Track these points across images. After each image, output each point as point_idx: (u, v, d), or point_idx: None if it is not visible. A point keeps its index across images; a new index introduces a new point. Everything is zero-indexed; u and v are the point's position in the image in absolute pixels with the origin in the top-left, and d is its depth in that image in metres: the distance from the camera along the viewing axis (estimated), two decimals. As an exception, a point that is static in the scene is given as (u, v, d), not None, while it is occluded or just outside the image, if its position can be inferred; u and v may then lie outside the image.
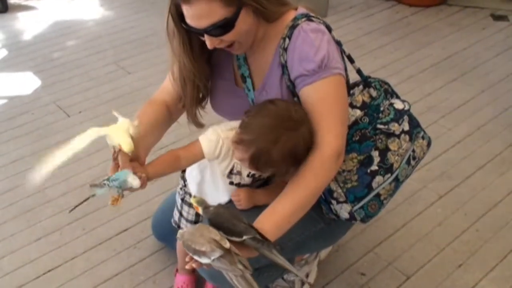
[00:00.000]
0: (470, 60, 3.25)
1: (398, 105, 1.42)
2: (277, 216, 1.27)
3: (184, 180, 1.64)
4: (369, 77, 1.44)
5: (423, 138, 1.50)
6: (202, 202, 1.25)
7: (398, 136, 1.40)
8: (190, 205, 1.63)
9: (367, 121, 1.38)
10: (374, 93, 1.42)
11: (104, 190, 1.24)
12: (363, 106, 1.39)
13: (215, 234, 1.16)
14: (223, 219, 1.20)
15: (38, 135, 2.65)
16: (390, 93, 1.46)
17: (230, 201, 1.48)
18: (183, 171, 1.63)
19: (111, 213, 2.14)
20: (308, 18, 1.29)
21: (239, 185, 1.45)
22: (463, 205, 2.18)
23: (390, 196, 1.45)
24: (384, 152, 1.38)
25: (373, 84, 1.43)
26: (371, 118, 1.38)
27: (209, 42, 1.27)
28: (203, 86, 1.45)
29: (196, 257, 1.16)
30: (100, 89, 3.03)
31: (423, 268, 1.91)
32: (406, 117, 1.43)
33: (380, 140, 1.38)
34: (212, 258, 1.13)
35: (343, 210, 1.40)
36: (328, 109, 1.28)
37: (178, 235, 1.20)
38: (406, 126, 1.43)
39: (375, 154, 1.37)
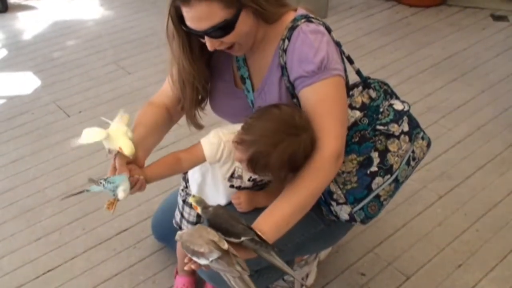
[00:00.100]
0: (470, 60, 3.25)
1: (398, 106, 1.42)
2: (276, 218, 1.26)
3: (186, 181, 1.64)
4: (369, 78, 1.44)
5: (422, 138, 1.50)
6: (201, 202, 1.25)
7: (398, 137, 1.40)
8: (191, 206, 1.62)
9: (366, 122, 1.37)
10: (373, 94, 1.41)
11: (98, 189, 1.24)
12: (363, 107, 1.39)
13: (214, 235, 1.16)
14: (221, 220, 1.20)
15: (38, 135, 2.65)
16: (390, 94, 1.46)
17: (230, 204, 1.48)
18: (185, 173, 1.63)
19: (111, 214, 2.14)
20: (308, 19, 1.29)
21: (240, 188, 1.45)
22: (463, 205, 2.18)
23: (390, 197, 1.45)
24: (383, 153, 1.38)
25: (372, 85, 1.43)
26: (370, 119, 1.38)
27: (210, 44, 1.27)
28: (202, 88, 1.45)
29: (194, 258, 1.16)
30: (100, 89, 3.03)
31: (423, 268, 1.91)
32: (405, 118, 1.43)
33: (379, 141, 1.38)
34: (210, 259, 1.13)
35: (343, 212, 1.40)
36: (327, 110, 1.27)
37: (177, 236, 1.20)
38: (405, 127, 1.42)
39: (375, 155, 1.37)
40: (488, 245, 2.00)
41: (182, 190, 1.68)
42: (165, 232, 1.87)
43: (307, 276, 1.81)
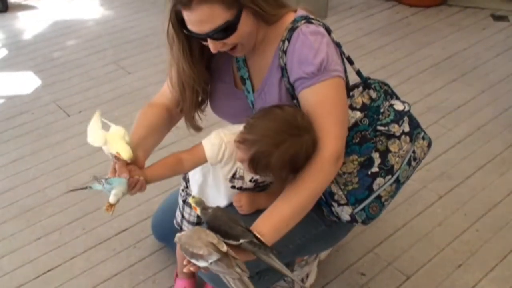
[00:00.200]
0: (470, 61, 3.25)
1: (398, 106, 1.42)
2: (275, 219, 1.26)
3: (186, 181, 1.64)
4: (369, 78, 1.44)
5: (423, 139, 1.50)
6: (200, 203, 1.25)
7: (399, 138, 1.40)
8: (191, 206, 1.62)
9: (367, 122, 1.37)
10: (374, 94, 1.41)
11: (100, 188, 1.25)
12: (363, 108, 1.39)
13: (212, 238, 1.16)
14: (220, 222, 1.20)
15: (38, 134, 2.65)
16: (390, 94, 1.46)
17: (231, 205, 1.48)
18: (185, 173, 1.63)
19: (110, 215, 2.14)
20: (308, 20, 1.29)
21: (241, 189, 1.45)
22: (463, 205, 2.18)
23: (391, 197, 1.45)
24: (384, 153, 1.38)
25: (373, 86, 1.43)
26: (371, 120, 1.38)
27: (212, 46, 1.27)
28: (202, 90, 1.45)
29: (194, 261, 1.16)
30: (100, 88, 3.03)
31: (423, 268, 1.91)
32: (406, 118, 1.43)
33: (380, 142, 1.38)
34: (210, 261, 1.13)
35: (344, 213, 1.40)
36: (327, 111, 1.27)
37: (176, 238, 1.20)
38: (406, 127, 1.42)
39: (376, 155, 1.37)
40: (488, 245, 2.00)
41: (183, 190, 1.68)
42: (165, 232, 1.87)
43: (307, 276, 1.81)
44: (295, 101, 1.33)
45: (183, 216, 1.68)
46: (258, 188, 1.46)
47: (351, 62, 1.41)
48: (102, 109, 2.91)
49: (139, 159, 1.31)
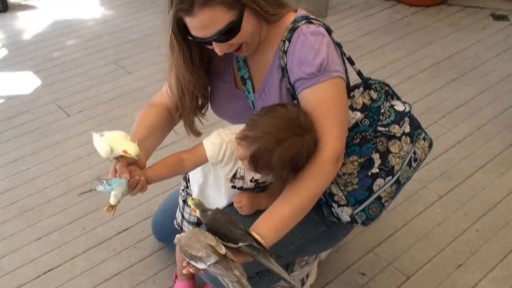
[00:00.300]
0: (470, 60, 3.25)
1: (399, 107, 1.42)
2: (275, 220, 1.26)
3: (187, 181, 1.64)
4: (370, 79, 1.44)
5: (424, 139, 1.49)
6: (200, 205, 1.25)
7: (399, 138, 1.40)
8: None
9: (367, 123, 1.37)
10: (374, 95, 1.41)
11: (102, 190, 1.25)
12: (364, 109, 1.39)
13: (211, 240, 1.16)
14: (220, 225, 1.20)
15: (38, 134, 2.65)
16: (391, 94, 1.46)
17: (231, 205, 1.48)
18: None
19: (111, 216, 2.14)
20: (308, 20, 1.29)
21: (242, 189, 1.45)
22: (463, 205, 2.18)
23: (392, 198, 1.44)
24: (385, 154, 1.38)
25: (373, 86, 1.43)
26: (371, 121, 1.38)
27: (218, 49, 1.27)
28: (201, 95, 1.45)
29: (192, 263, 1.16)
30: (100, 88, 3.03)
31: (423, 268, 1.91)
32: (407, 119, 1.43)
33: (380, 143, 1.37)
34: (208, 263, 1.13)
35: (344, 213, 1.40)
36: (327, 112, 1.27)
37: (176, 239, 1.20)
38: (407, 128, 1.42)
39: (376, 156, 1.37)
40: (488, 245, 2.00)
41: (183, 190, 1.68)
42: (165, 232, 1.87)
43: (307, 276, 1.81)
44: (295, 102, 1.33)
45: (183, 217, 1.68)
46: (258, 188, 1.46)
47: (351, 63, 1.41)
48: (102, 108, 2.95)
49: (140, 160, 1.31)
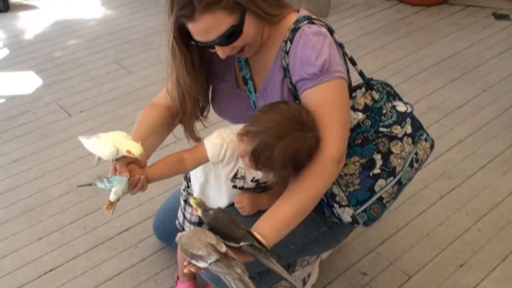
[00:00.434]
0: (471, 60, 3.24)
1: (401, 107, 1.42)
2: (276, 220, 1.26)
3: (188, 181, 1.64)
4: (372, 79, 1.44)
5: (426, 140, 1.49)
6: (201, 204, 1.25)
7: (401, 139, 1.40)
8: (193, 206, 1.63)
9: (369, 124, 1.37)
10: (376, 95, 1.41)
11: (102, 186, 1.26)
12: (365, 109, 1.39)
13: (212, 238, 1.16)
14: (221, 224, 1.20)
15: (39, 134, 2.65)
16: (393, 95, 1.46)
17: (232, 205, 1.48)
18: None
19: (110, 214, 2.14)
20: (310, 20, 1.29)
21: (242, 189, 1.44)
22: (465, 205, 2.18)
23: (393, 199, 1.44)
24: (386, 155, 1.38)
25: (375, 87, 1.42)
26: (373, 121, 1.38)
27: (221, 52, 1.27)
28: (202, 98, 1.46)
29: (193, 262, 1.16)
30: (101, 88, 3.03)
31: (425, 268, 1.91)
32: (408, 120, 1.42)
33: (382, 143, 1.37)
34: (209, 262, 1.13)
35: (346, 214, 1.40)
36: (329, 113, 1.27)
37: (177, 237, 1.21)
38: (408, 129, 1.42)
39: (378, 157, 1.37)
40: (490, 244, 2.00)
41: (184, 190, 1.68)
42: (167, 232, 1.87)
43: (309, 276, 1.81)
44: (297, 102, 1.33)
45: (184, 217, 1.68)
46: (259, 188, 1.46)
47: (353, 63, 1.41)
48: (104, 108, 2.95)
49: (141, 159, 1.31)
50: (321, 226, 1.49)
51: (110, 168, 1.30)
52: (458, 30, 3.60)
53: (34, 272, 1.92)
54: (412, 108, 1.43)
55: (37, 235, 2.07)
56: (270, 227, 1.25)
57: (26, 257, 1.98)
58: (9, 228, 2.11)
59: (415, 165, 1.46)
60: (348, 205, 1.38)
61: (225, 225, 1.20)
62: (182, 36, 1.27)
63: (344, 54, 1.36)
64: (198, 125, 1.54)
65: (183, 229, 1.68)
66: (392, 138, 1.38)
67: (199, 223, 1.64)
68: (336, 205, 1.40)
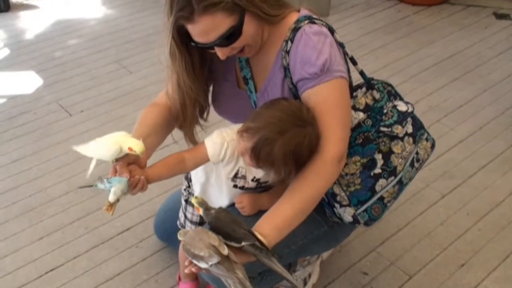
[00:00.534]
0: (472, 59, 3.24)
1: (402, 107, 1.42)
2: (277, 220, 1.26)
3: (189, 180, 1.64)
4: (372, 79, 1.44)
5: (427, 140, 1.49)
6: (203, 204, 1.25)
7: (402, 139, 1.40)
8: (194, 206, 1.62)
9: (370, 123, 1.37)
10: (377, 95, 1.41)
11: (102, 187, 1.26)
12: (366, 109, 1.39)
13: (214, 240, 1.16)
14: (223, 224, 1.20)
15: (40, 134, 2.65)
16: (394, 95, 1.46)
17: (232, 205, 1.48)
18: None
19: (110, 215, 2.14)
20: (311, 20, 1.29)
21: (243, 188, 1.44)
22: (466, 205, 2.17)
23: (394, 199, 1.44)
24: (387, 155, 1.38)
25: (376, 86, 1.42)
26: (374, 121, 1.37)
27: (221, 53, 1.27)
28: (203, 99, 1.46)
29: (195, 261, 1.16)
30: (101, 88, 3.03)
31: (426, 267, 1.90)
32: (409, 119, 1.42)
33: (383, 143, 1.37)
34: (210, 263, 1.13)
35: (347, 214, 1.40)
36: (329, 112, 1.27)
37: (180, 233, 1.21)
38: (409, 129, 1.42)
39: (379, 157, 1.37)
40: (491, 244, 1.99)
41: (185, 189, 1.68)
42: (167, 231, 1.87)
43: (309, 275, 1.81)
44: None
45: (186, 217, 1.68)
46: (260, 188, 1.46)
47: (354, 63, 1.41)
48: (104, 108, 2.94)
49: (141, 159, 1.31)
50: (322, 226, 1.48)
51: (110, 168, 1.29)
52: (458, 30, 3.60)
53: (35, 272, 1.92)
54: (413, 108, 1.43)
55: (37, 235, 2.07)
56: (271, 227, 1.25)
57: (26, 257, 1.98)
58: (9, 228, 2.11)
59: (416, 164, 1.46)
60: (349, 205, 1.38)
61: (226, 224, 1.20)
62: (182, 37, 1.27)
63: (345, 53, 1.35)
64: (198, 127, 1.54)
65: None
66: (393, 137, 1.38)
67: (200, 223, 1.64)
68: (337, 205, 1.39)
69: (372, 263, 1.93)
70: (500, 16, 3.77)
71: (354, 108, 1.38)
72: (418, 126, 1.46)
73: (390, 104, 1.42)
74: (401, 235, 2.04)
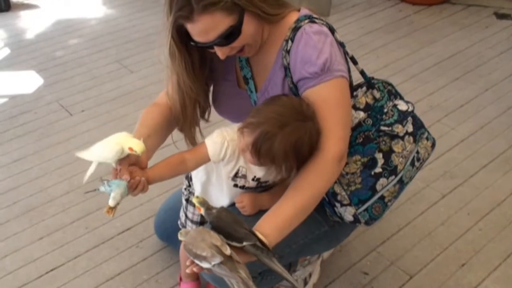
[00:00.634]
0: (473, 59, 3.24)
1: (402, 106, 1.41)
2: (278, 220, 1.26)
3: (189, 180, 1.63)
4: (373, 78, 1.44)
5: (427, 139, 1.49)
6: (204, 203, 1.25)
7: (402, 138, 1.39)
8: (195, 205, 1.62)
9: (370, 123, 1.37)
10: (377, 94, 1.41)
11: (103, 190, 1.25)
12: (367, 108, 1.38)
13: (216, 240, 1.15)
14: (224, 223, 1.20)
15: (41, 134, 2.66)
16: (394, 94, 1.45)
17: (233, 205, 1.48)
18: (187, 172, 1.63)
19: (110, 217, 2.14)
20: (311, 19, 1.29)
21: (244, 188, 1.44)
22: (466, 204, 2.17)
23: (395, 198, 1.44)
24: (388, 154, 1.38)
25: (376, 86, 1.42)
26: (374, 120, 1.37)
27: (220, 52, 1.27)
28: (203, 100, 1.46)
29: (197, 261, 1.16)
30: (102, 87, 3.03)
31: (426, 267, 1.90)
32: (410, 119, 1.42)
33: (383, 142, 1.37)
34: (213, 263, 1.13)
35: (347, 213, 1.40)
36: (330, 112, 1.27)
37: (182, 232, 1.20)
38: (410, 128, 1.42)
39: (379, 156, 1.37)
40: (492, 244, 1.99)
41: (185, 189, 1.68)
42: (168, 231, 1.87)
43: (310, 275, 1.81)
44: (298, 100, 1.33)
45: (186, 216, 1.67)
46: (260, 188, 1.46)
47: (354, 62, 1.41)
48: (105, 108, 2.94)
49: (142, 160, 1.31)
50: (322, 226, 1.48)
51: (110, 169, 1.29)
52: (459, 30, 3.60)
53: (35, 271, 1.92)
54: (413, 107, 1.43)
55: (38, 235, 2.07)
56: (272, 226, 1.24)
57: (27, 257, 1.98)
58: (10, 227, 2.11)
59: (417, 164, 1.46)
60: (349, 204, 1.38)
61: (228, 224, 1.20)
62: (181, 37, 1.26)
63: (345, 53, 1.35)
64: (198, 129, 1.54)
65: (184, 229, 1.68)
66: (394, 136, 1.38)
67: (201, 223, 1.64)
68: (337, 204, 1.39)
69: (373, 262, 1.92)
70: (501, 16, 3.76)
71: (355, 107, 1.38)
72: (419, 125, 1.46)
73: (391, 103, 1.41)
74: (402, 234, 2.04)
